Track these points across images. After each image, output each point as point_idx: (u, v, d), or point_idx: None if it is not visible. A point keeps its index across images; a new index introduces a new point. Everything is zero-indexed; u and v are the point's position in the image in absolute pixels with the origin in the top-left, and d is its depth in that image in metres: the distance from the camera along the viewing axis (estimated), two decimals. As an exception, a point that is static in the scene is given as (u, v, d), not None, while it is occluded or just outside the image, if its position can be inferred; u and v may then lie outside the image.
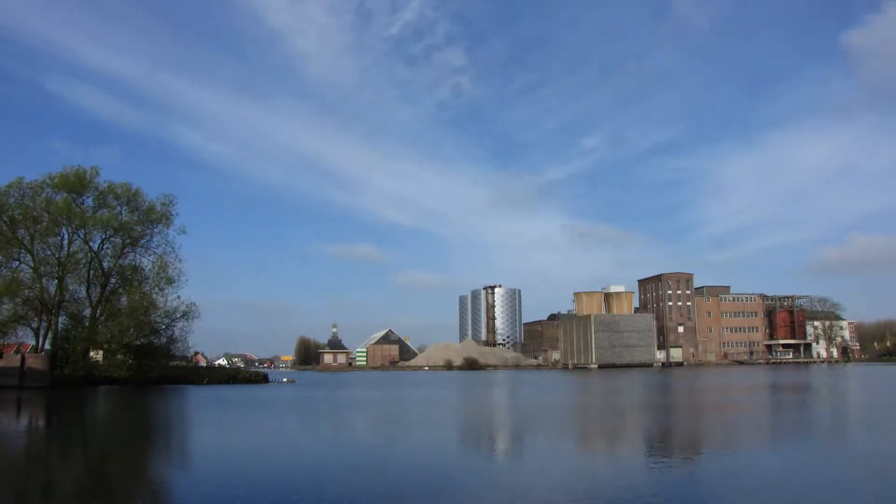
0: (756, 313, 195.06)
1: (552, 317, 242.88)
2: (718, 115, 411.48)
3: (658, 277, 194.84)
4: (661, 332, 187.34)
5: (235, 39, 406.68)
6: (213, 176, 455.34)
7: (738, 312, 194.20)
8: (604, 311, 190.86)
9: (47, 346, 68.20)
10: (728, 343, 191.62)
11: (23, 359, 61.13)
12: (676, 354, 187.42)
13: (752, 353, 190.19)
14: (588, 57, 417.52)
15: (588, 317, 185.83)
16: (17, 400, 44.58)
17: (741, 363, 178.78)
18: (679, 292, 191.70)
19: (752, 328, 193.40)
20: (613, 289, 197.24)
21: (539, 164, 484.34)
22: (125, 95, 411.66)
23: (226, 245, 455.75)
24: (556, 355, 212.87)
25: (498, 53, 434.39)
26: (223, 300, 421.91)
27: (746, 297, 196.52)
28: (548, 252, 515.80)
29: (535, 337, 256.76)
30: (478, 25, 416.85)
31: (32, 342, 71.84)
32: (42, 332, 69.23)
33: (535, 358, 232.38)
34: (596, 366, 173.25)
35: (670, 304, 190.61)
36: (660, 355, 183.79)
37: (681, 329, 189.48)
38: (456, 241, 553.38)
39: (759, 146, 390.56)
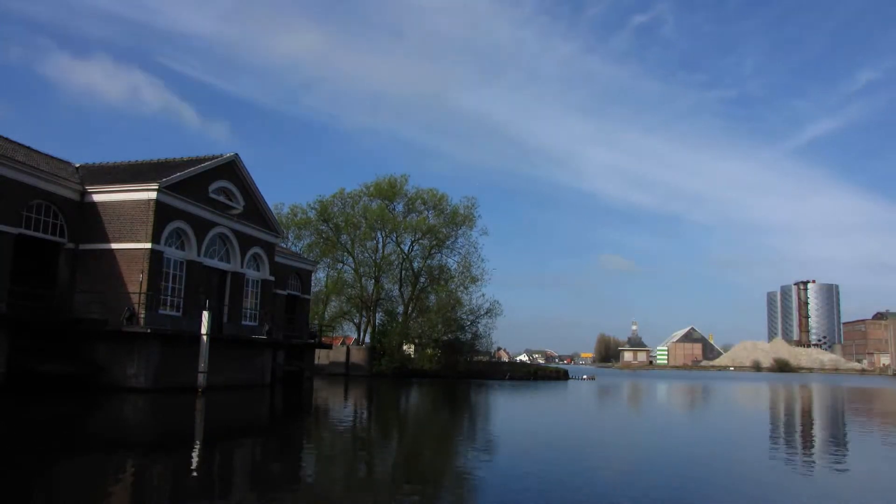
0: None
1: (878, 315, 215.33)
2: None
3: None
4: None
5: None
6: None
7: None
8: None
9: (366, 340, 75.12)
10: None
11: (348, 350, 68.10)
12: None
13: None
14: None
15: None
16: (345, 385, 49.02)
17: None
18: None
19: None
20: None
21: (796, 116, 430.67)
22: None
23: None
24: (884, 359, 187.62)
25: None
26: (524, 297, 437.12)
27: None
28: (860, 236, 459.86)
29: (856, 338, 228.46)
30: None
31: (354, 335, 79.82)
32: (362, 326, 76.61)
33: (859, 362, 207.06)
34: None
35: None
36: None
37: None
38: (718, 226, 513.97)
39: None
